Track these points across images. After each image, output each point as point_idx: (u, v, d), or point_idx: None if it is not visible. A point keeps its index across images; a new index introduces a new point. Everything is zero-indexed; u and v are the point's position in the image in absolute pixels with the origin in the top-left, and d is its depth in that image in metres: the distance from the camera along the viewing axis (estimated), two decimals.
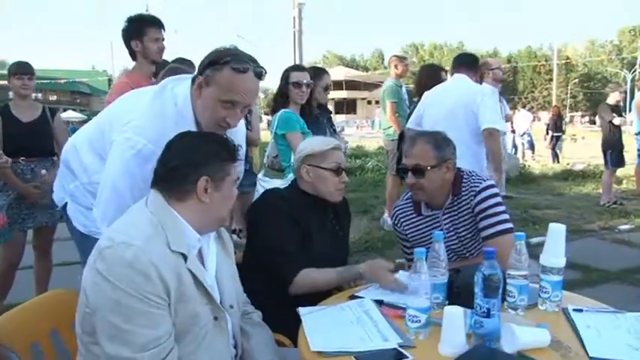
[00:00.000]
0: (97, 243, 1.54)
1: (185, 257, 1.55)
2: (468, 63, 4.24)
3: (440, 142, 2.31)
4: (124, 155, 1.96)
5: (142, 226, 1.53)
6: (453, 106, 3.92)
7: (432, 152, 2.26)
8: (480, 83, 4.55)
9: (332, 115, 4.39)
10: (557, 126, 15.72)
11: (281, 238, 2.17)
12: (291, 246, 2.17)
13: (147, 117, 1.99)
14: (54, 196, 2.45)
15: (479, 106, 3.81)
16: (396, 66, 6.02)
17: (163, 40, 3.33)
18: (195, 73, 1.98)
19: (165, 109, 1.99)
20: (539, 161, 14.78)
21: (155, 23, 3.32)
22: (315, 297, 2.02)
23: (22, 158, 3.62)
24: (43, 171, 3.66)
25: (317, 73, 4.02)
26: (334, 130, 4.25)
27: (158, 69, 3.32)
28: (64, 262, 4.71)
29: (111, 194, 2.02)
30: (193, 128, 1.94)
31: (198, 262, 1.64)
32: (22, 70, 3.72)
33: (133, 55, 3.34)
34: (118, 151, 1.99)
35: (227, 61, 1.87)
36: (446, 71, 5.07)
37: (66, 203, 2.37)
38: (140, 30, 3.25)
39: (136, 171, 1.95)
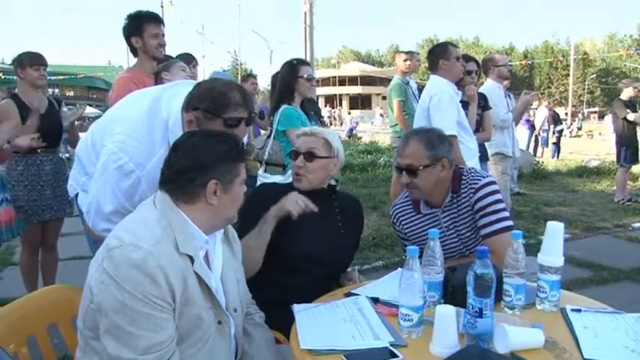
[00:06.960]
0: (105, 240, 1.54)
1: (192, 260, 1.54)
2: (430, 61, 4.01)
3: (433, 140, 2.26)
4: (107, 166, 2.05)
5: (151, 226, 1.52)
6: (419, 110, 3.97)
7: (425, 152, 2.22)
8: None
9: (320, 107, 4.48)
10: (555, 120, 15.64)
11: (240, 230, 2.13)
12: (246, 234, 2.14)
13: (135, 133, 2.04)
14: (68, 186, 2.51)
15: (429, 111, 3.76)
16: (398, 63, 5.95)
17: (163, 35, 3.32)
18: (189, 100, 1.96)
19: (154, 126, 2.03)
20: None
21: (153, 19, 3.31)
22: (311, 294, 2.00)
23: (41, 150, 3.66)
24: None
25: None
26: (322, 122, 4.31)
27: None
28: (73, 256, 4.78)
29: (92, 201, 2.15)
30: None
31: (205, 265, 1.63)
32: (38, 60, 3.74)
33: (135, 51, 3.35)
34: (103, 160, 2.09)
35: (221, 115, 1.90)
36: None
37: (77, 194, 2.43)
38: (139, 27, 3.25)
39: (115, 184, 2.04)
